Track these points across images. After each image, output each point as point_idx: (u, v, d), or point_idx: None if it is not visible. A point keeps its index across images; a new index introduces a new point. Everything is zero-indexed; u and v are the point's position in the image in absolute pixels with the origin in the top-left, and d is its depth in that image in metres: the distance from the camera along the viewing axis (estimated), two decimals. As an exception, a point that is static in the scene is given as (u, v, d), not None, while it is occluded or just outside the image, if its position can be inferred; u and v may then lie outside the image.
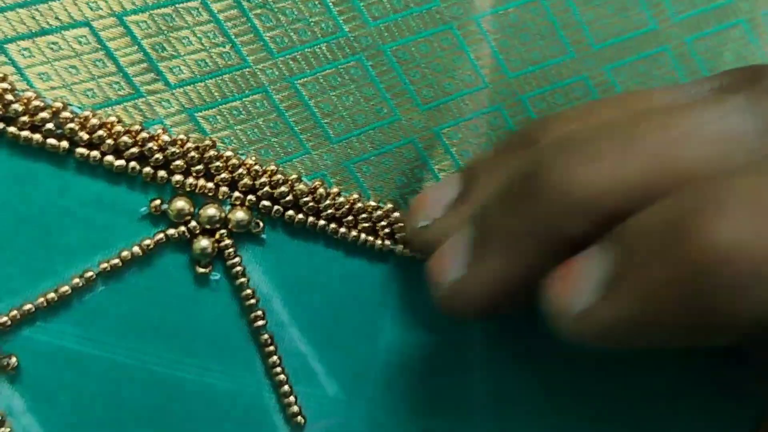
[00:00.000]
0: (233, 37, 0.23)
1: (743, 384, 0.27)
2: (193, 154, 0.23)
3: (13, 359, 0.23)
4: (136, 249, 0.23)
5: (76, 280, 0.23)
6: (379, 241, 0.25)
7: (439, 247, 0.23)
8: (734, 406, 0.29)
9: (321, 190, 0.24)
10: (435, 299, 0.22)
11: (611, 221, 0.18)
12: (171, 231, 0.23)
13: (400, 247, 0.26)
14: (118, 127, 0.22)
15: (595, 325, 0.18)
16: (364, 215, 0.25)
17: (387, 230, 0.25)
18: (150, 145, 0.23)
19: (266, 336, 0.24)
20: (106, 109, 0.23)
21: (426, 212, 0.24)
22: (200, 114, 0.23)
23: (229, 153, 0.23)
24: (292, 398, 0.25)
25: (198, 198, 0.24)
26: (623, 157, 0.19)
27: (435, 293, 0.22)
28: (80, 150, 0.22)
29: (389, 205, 0.25)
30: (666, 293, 0.17)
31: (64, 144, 0.22)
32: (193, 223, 0.23)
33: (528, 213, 0.20)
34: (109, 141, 0.22)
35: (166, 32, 0.23)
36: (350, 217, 0.25)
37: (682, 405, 0.29)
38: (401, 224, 0.25)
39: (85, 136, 0.22)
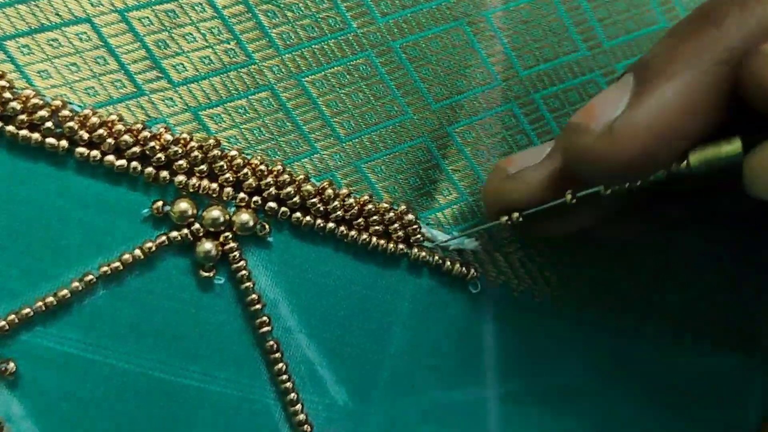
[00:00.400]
0: (238, 33, 0.23)
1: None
2: (196, 153, 0.22)
3: (12, 365, 0.22)
4: (137, 252, 0.22)
5: (76, 283, 0.22)
6: (391, 245, 0.25)
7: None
8: (735, 407, 0.29)
9: (329, 191, 0.24)
10: (582, 151, 0.20)
11: None
12: (173, 233, 0.23)
13: (414, 250, 0.25)
14: (119, 126, 0.22)
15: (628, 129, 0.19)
16: (375, 217, 0.24)
17: (400, 233, 0.25)
18: (152, 144, 0.22)
19: (272, 342, 0.24)
20: (108, 107, 0.22)
21: (515, 164, 0.23)
22: (205, 112, 0.23)
23: (233, 152, 0.23)
24: (298, 406, 0.24)
25: (201, 199, 0.23)
26: None
27: (583, 142, 0.20)
28: (80, 149, 0.22)
29: (402, 207, 0.25)
30: None
31: (64, 143, 0.22)
32: (197, 226, 0.23)
33: (707, 37, 0.19)
34: (110, 140, 0.22)
35: (169, 28, 0.22)
36: (360, 220, 0.24)
37: (684, 406, 0.29)
38: (415, 226, 0.25)
39: (85, 135, 0.22)
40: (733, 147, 0.19)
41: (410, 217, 0.25)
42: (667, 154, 0.19)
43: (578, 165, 0.20)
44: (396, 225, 0.25)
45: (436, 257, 0.25)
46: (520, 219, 0.22)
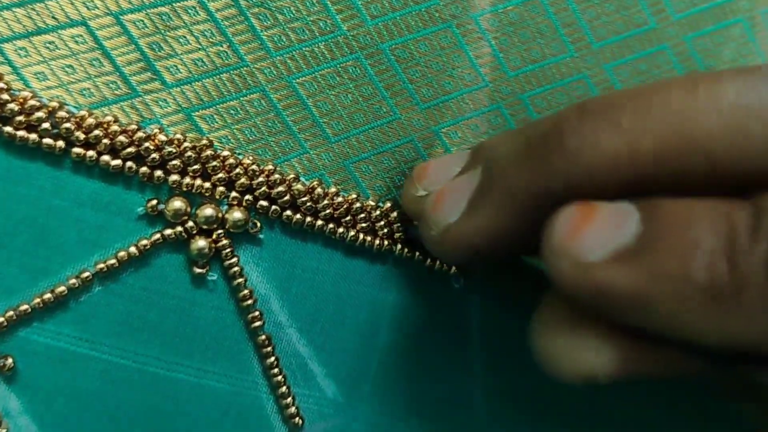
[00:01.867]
0: (231, 36, 0.23)
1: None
2: (189, 153, 0.23)
3: (9, 360, 0.22)
4: (132, 249, 0.23)
5: (73, 280, 0.23)
6: (377, 241, 0.25)
7: None
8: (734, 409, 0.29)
9: (319, 190, 0.24)
10: (425, 238, 0.22)
11: (617, 188, 0.18)
12: (168, 231, 0.23)
13: (398, 247, 0.25)
14: (115, 127, 0.22)
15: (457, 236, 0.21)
16: (362, 215, 0.25)
17: (386, 230, 0.25)
18: (146, 144, 0.23)
19: (264, 337, 0.24)
20: (103, 108, 0.23)
21: (426, 182, 0.24)
22: (197, 113, 0.23)
23: (226, 153, 0.23)
24: (290, 399, 0.25)
25: (195, 198, 0.23)
26: (642, 125, 0.18)
27: (426, 231, 0.22)
28: (76, 150, 0.22)
29: (388, 205, 0.25)
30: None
31: (60, 144, 0.22)
32: (190, 224, 0.23)
33: (537, 170, 0.19)
34: (106, 140, 0.22)
35: (163, 31, 0.23)
36: (348, 217, 0.25)
37: (681, 407, 0.29)
38: (400, 224, 0.25)
39: (82, 136, 0.22)
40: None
41: (394, 214, 0.25)
42: (488, 260, 0.22)
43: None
44: (382, 222, 0.25)
45: (418, 253, 0.26)
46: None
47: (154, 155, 0.23)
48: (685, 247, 0.17)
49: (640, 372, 0.19)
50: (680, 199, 0.18)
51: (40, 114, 0.22)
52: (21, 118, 0.22)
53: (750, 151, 0.17)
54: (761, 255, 0.16)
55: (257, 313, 0.24)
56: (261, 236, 0.24)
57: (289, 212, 0.24)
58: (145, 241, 0.23)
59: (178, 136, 0.23)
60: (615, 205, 0.18)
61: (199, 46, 0.23)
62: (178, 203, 0.23)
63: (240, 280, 0.24)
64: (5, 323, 0.22)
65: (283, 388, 0.25)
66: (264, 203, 0.24)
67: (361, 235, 0.25)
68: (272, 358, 0.24)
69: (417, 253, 0.26)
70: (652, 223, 0.17)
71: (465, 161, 0.23)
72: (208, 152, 0.23)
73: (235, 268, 0.24)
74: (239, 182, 0.23)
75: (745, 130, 0.17)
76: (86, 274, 0.23)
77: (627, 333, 0.18)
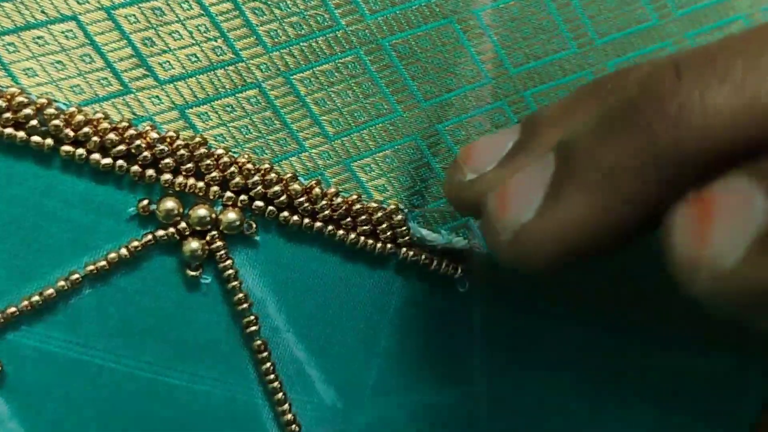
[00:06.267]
0: (226, 31, 0.23)
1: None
2: (182, 152, 0.22)
3: (-3, 364, 0.22)
4: (123, 251, 0.22)
5: (62, 282, 0.22)
6: (379, 245, 0.24)
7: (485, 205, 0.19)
8: (729, 407, 0.29)
9: (317, 190, 0.24)
10: (495, 247, 0.19)
11: (738, 154, 0.15)
12: (160, 232, 0.23)
13: (402, 250, 0.25)
14: (105, 124, 0.22)
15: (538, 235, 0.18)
16: (363, 217, 0.24)
17: (389, 233, 0.25)
18: (138, 142, 0.22)
19: (259, 342, 0.24)
20: (94, 105, 0.22)
21: (475, 164, 0.21)
22: (192, 110, 0.23)
23: (220, 151, 0.23)
24: (286, 406, 0.24)
25: (188, 198, 0.23)
26: (760, 75, 0.15)
27: (495, 239, 0.19)
28: (65, 148, 0.22)
29: (392, 206, 0.25)
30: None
31: (49, 141, 0.21)
32: (183, 224, 0.23)
33: (635, 143, 0.17)
34: (95, 138, 0.22)
35: (155, 26, 0.22)
36: (348, 219, 0.24)
37: (677, 406, 0.29)
38: (404, 228, 0.25)
39: (71, 134, 0.21)
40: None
41: (399, 217, 0.25)
42: (583, 260, 0.18)
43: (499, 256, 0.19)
44: (384, 225, 0.24)
45: (424, 257, 0.25)
46: None
47: (146, 153, 0.22)
48: None
49: None
50: None
51: (28, 111, 0.21)
52: (8, 114, 0.21)
53: None
54: None
55: (252, 317, 0.24)
56: (257, 238, 0.24)
57: (286, 213, 0.23)
58: (136, 243, 0.22)
59: (171, 133, 0.22)
60: (732, 187, 0.15)
61: (193, 41, 0.22)
62: (170, 203, 0.22)
63: (235, 283, 0.23)
64: (-7, 327, 0.22)
65: (280, 395, 0.24)
66: (260, 204, 0.23)
67: (362, 238, 0.24)
68: (268, 364, 0.24)
69: (423, 256, 0.25)
70: None
71: (516, 135, 0.21)
72: (202, 150, 0.22)
73: (230, 271, 0.23)
74: (234, 181, 0.23)
75: None
76: (76, 276, 0.22)
77: None
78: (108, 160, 0.22)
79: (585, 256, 0.18)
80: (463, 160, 0.21)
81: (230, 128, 0.23)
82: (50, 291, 0.22)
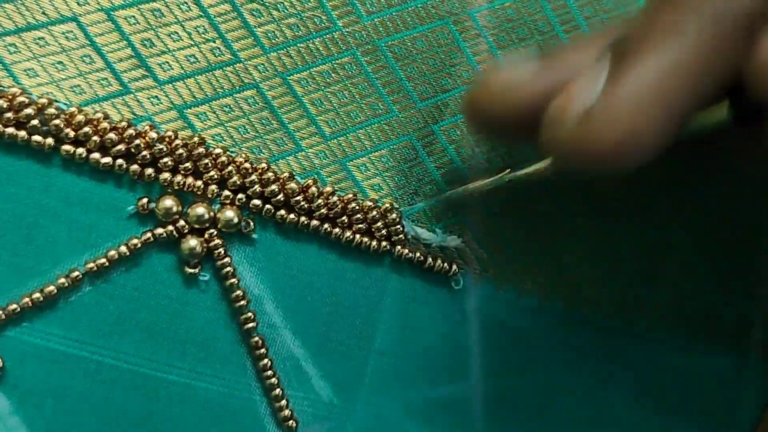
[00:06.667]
0: (224, 32, 0.23)
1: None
2: (181, 151, 0.23)
3: (-2, 361, 0.22)
4: (123, 249, 0.23)
5: (62, 280, 0.22)
6: (374, 243, 0.25)
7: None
8: (727, 408, 0.29)
9: (313, 189, 0.24)
10: (555, 143, 0.18)
11: None
12: (159, 230, 0.23)
13: (397, 248, 0.25)
14: (105, 124, 0.22)
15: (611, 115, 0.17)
16: (358, 215, 0.24)
17: (383, 231, 0.25)
18: (137, 141, 0.22)
19: (257, 338, 0.24)
20: (94, 105, 0.22)
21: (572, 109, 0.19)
22: (190, 111, 0.23)
23: (218, 150, 0.23)
24: (283, 402, 0.24)
25: (186, 196, 0.23)
26: None
27: (555, 132, 0.18)
28: (66, 147, 0.22)
29: (386, 205, 0.25)
30: None
31: (50, 141, 0.22)
32: (182, 223, 0.23)
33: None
34: (95, 138, 0.22)
35: (155, 27, 0.22)
36: (344, 218, 0.24)
37: (675, 406, 0.29)
38: (398, 226, 0.25)
39: (71, 133, 0.22)
40: (720, 112, 0.17)
41: (393, 215, 0.25)
42: (653, 139, 0.17)
43: (560, 158, 0.18)
44: (379, 223, 0.25)
45: (419, 254, 0.25)
46: (506, 180, 0.21)
47: (145, 153, 0.22)
48: None
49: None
50: None
51: (29, 111, 0.21)
52: (9, 114, 0.21)
53: None
54: None
55: (250, 314, 0.24)
56: (254, 236, 0.24)
57: (282, 212, 0.24)
58: (135, 241, 0.23)
59: (169, 132, 0.23)
60: None
61: (192, 42, 0.23)
62: (169, 202, 0.23)
63: (233, 280, 0.23)
64: (-6, 323, 0.22)
65: (277, 391, 0.24)
66: (257, 202, 0.23)
67: (358, 236, 0.24)
68: (266, 360, 0.24)
69: (417, 254, 0.25)
70: None
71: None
72: (200, 150, 0.23)
73: (228, 269, 0.23)
74: (231, 180, 0.23)
75: None
76: (76, 273, 0.22)
77: None
78: (108, 159, 0.22)
79: (658, 131, 0.17)
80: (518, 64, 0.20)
81: (228, 128, 0.23)
82: (51, 288, 0.22)
